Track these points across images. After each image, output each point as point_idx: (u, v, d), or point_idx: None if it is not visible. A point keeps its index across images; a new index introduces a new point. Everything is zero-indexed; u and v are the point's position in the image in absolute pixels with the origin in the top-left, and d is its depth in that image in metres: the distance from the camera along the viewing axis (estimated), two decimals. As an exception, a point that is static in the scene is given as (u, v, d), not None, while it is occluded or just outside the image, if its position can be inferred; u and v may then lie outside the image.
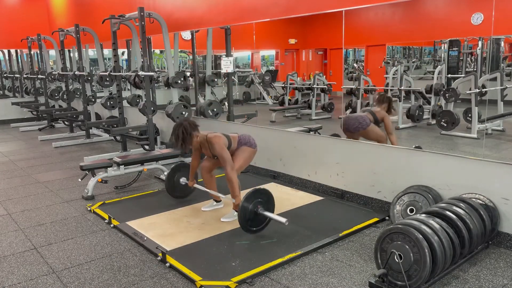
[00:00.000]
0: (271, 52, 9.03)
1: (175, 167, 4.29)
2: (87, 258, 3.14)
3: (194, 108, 6.45)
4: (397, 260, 2.47)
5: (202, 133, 3.72)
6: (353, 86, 6.96)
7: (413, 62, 7.41)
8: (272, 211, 3.49)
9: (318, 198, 4.30)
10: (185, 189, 4.34)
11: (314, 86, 7.79)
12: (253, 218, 3.38)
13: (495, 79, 5.59)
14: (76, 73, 7.90)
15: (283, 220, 3.24)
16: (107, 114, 8.41)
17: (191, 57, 7.85)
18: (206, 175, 3.97)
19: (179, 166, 4.32)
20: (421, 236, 2.43)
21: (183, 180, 4.25)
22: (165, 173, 5.08)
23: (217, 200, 4.09)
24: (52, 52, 10.05)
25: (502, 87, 5.50)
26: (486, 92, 5.46)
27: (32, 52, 10.07)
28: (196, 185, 4.10)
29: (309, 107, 7.92)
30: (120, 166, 4.74)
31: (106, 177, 4.70)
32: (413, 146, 4.40)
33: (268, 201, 3.47)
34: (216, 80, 6.58)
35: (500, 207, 3.12)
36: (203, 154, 3.95)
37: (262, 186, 3.53)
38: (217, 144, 3.62)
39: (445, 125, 5.58)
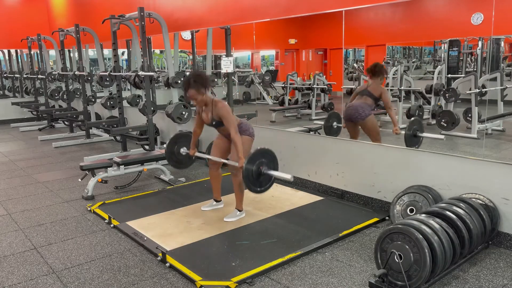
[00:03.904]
0: (271, 52, 9.02)
1: (175, 137, 4.19)
2: (87, 258, 3.14)
3: (194, 108, 6.44)
4: (397, 260, 2.47)
5: (209, 96, 3.62)
6: (353, 86, 6.96)
7: (413, 62, 7.41)
8: (276, 169, 3.47)
9: (318, 198, 4.31)
10: (186, 159, 4.24)
11: (314, 86, 7.79)
12: (258, 178, 3.38)
13: (495, 79, 5.58)
14: (76, 73, 7.90)
15: (288, 176, 3.25)
16: (107, 114, 8.41)
17: (191, 57, 7.85)
18: (214, 172, 3.93)
19: (179, 136, 4.22)
20: (421, 236, 2.44)
21: (183, 150, 4.15)
22: (166, 173, 5.10)
23: (217, 200, 4.09)
24: (52, 52, 10.05)
25: (502, 87, 5.49)
26: (486, 92, 5.46)
27: (32, 52, 10.06)
28: (197, 154, 4.03)
29: (309, 107, 7.92)
30: (120, 166, 4.73)
31: (106, 177, 4.70)
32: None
33: (271, 160, 3.45)
34: (216, 80, 6.58)
35: (500, 207, 3.12)
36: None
37: (264, 147, 3.49)
38: (224, 107, 3.53)
39: (445, 125, 5.58)
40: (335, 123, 4.99)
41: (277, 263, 2.93)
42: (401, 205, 3.50)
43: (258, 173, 3.39)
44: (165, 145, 4.26)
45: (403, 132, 4.33)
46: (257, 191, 3.44)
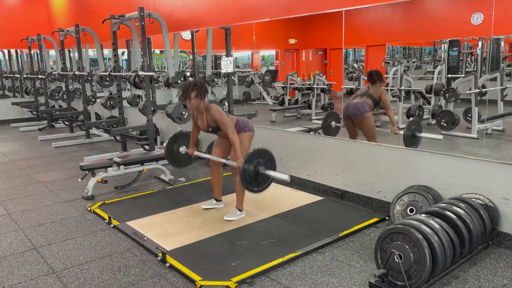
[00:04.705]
0: (271, 52, 9.03)
1: (175, 136, 4.20)
2: (87, 258, 3.14)
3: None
4: (397, 260, 2.47)
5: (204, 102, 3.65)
6: (353, 86, 6.96)
7: (413, 62, 7.41)
8: (273, 169, 3.49)
9: (318, 198, 4.31)
10: (185, 158, 4.24)
11: (314, 86, 7.79)
12: (256, 178, 3.41)
13: (495, 79, 5.58)
14: (76, 73, 7.90)
15: (285, 177, 3.28)
16: (107, 114, 8.41)
17: (191, 57, 7.85)
18: (215, 171, 3.94)
19: (179, 135, 4.24)
20: (421, 236, 2.44)
21: (183, 149, 4.17)
22: (166, 173, 5.10)
23: (218, 200, 4.09)
24: (52, 52, 10.05)
25: (502, 87, 5.50)
26: (486, 92, 5.46)
27: (32, 52, 10.07)
28: (196, 153, 4.04)
29: (309, 107, 7.92)
30: (120, 166, 4.74)
31: (106, 177, 4.70)
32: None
33: (268, 160, 3.47)
34: (216, 80, 6.58)
35: (500, 207, 3.12)
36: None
37: (262, 147, 3.51)
38: (217, 110, 3.58)
39: (445, 125, 5.58)
40: (333, 123, 5.00)
41: (277, 263, 2.93)
42: (401, 205, 3.50)
43: (256, 173, 3.40)
44: (164, 144, 4.26)
45: (401, 132, 4.35)
46: (254, 191, 3.46)
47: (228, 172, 4.15)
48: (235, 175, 3.70)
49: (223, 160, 3.73)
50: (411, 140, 4.37)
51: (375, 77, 4.68)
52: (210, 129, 3.71)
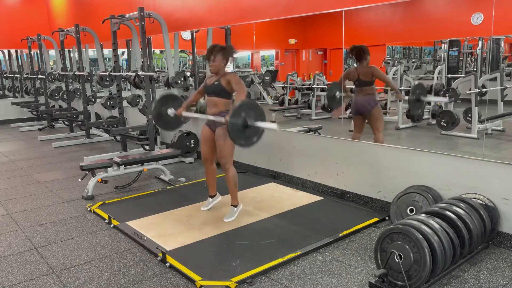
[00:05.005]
0: (271, 52, 9.02)
1: (162, 97, 4.04)
2: (87, 258, 3.14)
3: (194, 108, 6.44)
4: (397, 260, 2.47)
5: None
6: (353, 86, 6.96)
7: (413, 62, 7.42)
8: (262, 120, 3.40)
9: (318, 198, 4.31)
10: (175, 121, 4.11)
11: (314, 86, 7.79)
12: (245, 131, 3.31)
13: (495, 79, 5.59)
14: (76, 73, 7.90)
15: (274, 126, 3.25)
16: (107, 114, 8.41)
17: (191, 57, 7.84)
18: (209, 167, 3.91)
19: (166, 97, 4.10)
20: (421, 236, 2.44)
21: (171, 111, 4.01)
22: (166, 173, 5.10)
23: (212, 196, 4.06)
24: (52, 52, 10.04)
25: (502, 87, 5.50)
26: (486, 92, 5.46)
27: (32, 52, 10.07)
28: (184, 113, 3.93)
29: (309, 107, 7.92)
30: (120, 166, 4.74)
31: (106, 177, 4.70)
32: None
33: (256, 112, 3.37)
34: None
35: (500, 207, 3.12)
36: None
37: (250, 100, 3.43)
38: (236, 75, 3.57)
39: (445, 125, 5.58)
40: (337, 93, 4.98)
41: (277, 263, 2.93)
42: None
43: (244, 126, 3.29)
44: (152, 108, 4.11)
45: (406, 97, 4.31)
46: (242, 144, 3.35)
47: (222, 174, 4.14)
48: (226, 171, 3.69)
49: (211, 117, 3.59)
50: (416, 105, 4.32)
51: (357, 55, 4.50)
52: (216, 83, 3.59)
